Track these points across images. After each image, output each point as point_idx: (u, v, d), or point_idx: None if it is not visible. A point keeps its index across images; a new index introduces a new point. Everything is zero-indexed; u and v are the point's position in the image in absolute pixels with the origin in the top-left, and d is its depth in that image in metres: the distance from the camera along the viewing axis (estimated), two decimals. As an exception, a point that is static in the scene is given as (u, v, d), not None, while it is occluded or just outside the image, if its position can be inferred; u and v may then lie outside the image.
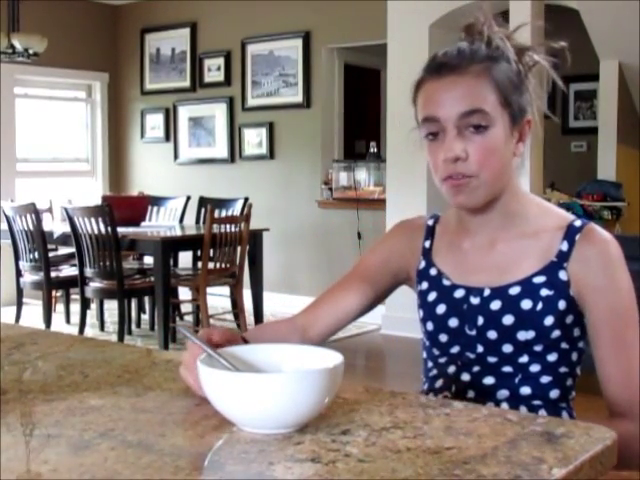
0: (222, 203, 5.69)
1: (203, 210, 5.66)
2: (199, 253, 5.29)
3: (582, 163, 6.45)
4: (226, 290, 5.46)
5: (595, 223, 1.25)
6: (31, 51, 5.40)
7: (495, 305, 1.22)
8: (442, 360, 1.29)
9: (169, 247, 4.89)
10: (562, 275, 1.21)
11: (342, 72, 6.35)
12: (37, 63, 5.97)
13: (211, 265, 5.07)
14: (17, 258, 5.28)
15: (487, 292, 1.24)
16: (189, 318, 5.62)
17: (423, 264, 1.34)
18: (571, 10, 5.20)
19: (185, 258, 5.76)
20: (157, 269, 4.82)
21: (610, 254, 1.20)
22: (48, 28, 6.23)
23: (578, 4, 4.99)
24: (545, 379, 1.22)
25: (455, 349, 1.27)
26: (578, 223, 1.23)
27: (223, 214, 5.47)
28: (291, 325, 1.31)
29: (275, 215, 6.23)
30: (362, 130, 7.15)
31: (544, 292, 1.20)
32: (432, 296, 1.29)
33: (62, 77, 6.96)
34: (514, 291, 1.22)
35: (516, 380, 1.22)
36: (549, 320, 1.20)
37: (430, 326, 1.29)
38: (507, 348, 1.22)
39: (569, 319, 1.21)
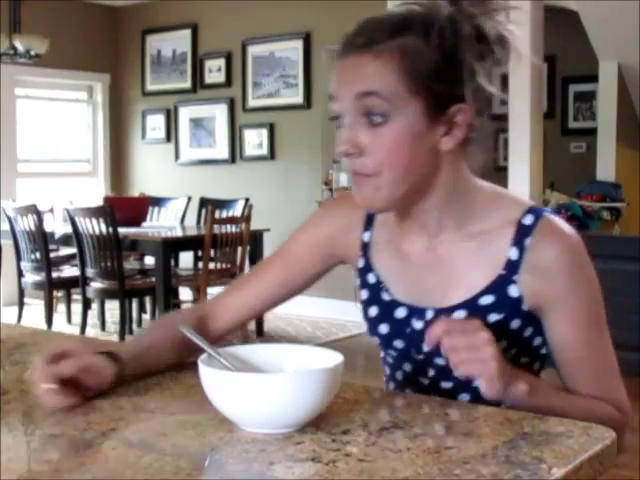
0: (223, 204, 5.69)
1: (204, 210, 5.67)
2: (200, 253, 5.30)
3: (581, 164, 6.45)
4: (227, 291, 5.45)
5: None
6: (32, 52, 5.41)
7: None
8: (398, 376, 1.18)
9: (170, 247, 4.90)
10: (513, 291, 1.04)
11: (343, 73, 6.35)
12: (38, 64, 5.97)
13: (212, 265, 5.07)
14: (19, 258, 5.28)
15: (430, 315, 1.08)
16: (190, 319, 5.61)
17: (362, 262, 1.17)
18: (570, 11, 5.20)
19: (186, 258, 5.76)
20: (158, 269, 4.83)
21: (569, 256, 1.03)
22: (49, 29, 6.24)
23: (577, 5, 4.99)
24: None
25: (407, 367, 1.15)
26: (528, 220, 1.04)
27: (224, 215, 5.48)
28: (186, 319, 1.15)
29: (276, 216, 6.23)
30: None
31: (493, 317, 1.05)
32: (373, 311, 1.14)
33: (63, 78, 6.96)
34: (459, 315, 1.05)
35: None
36: (502, 344, 1.03)
37: (377, 341, 1.17)
38: (455, 379, 1.06)
39: (527, 332, 1.08)
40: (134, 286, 5.02)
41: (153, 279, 4.99)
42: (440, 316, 1.04)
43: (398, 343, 1.13)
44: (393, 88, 0.99)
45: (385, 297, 1.13)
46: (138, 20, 7.21)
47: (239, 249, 5.10)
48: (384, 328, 1.13)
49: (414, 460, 0.81)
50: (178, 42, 6.94)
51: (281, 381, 0.88)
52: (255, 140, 6.50)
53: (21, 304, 5.37)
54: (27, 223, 5.12)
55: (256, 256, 5.31)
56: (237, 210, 5.56)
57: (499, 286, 1.05)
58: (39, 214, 5.09)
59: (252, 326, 5.35)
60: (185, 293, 5.82)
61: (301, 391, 0.87)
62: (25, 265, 5.27)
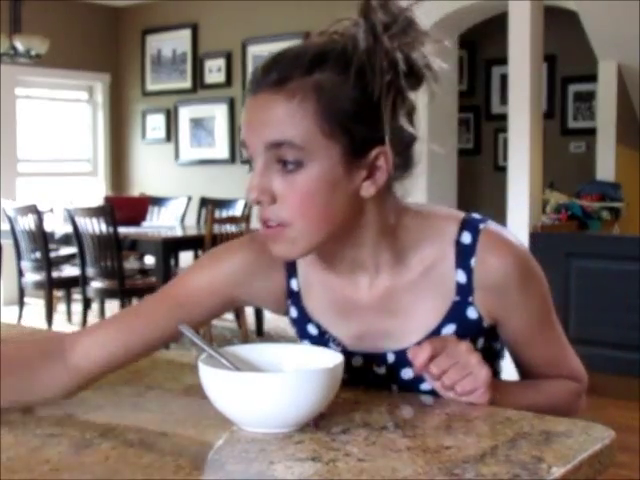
0: (223, 203, 5.70)
1: (204, 210, 5.67)
2: (200, 253, 5.30)
3: (581, 164, 6.46)
4: (227, 290, 5.46)
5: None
6: (33, 52, 5.41)
7: (406, 374, 1.03)
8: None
9: (170, 247, 4.90)
10: (471, 313, 1.01)
11: (343, 73, 6.36)
12: (39, 64, 5.98)
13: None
14: (19, 258, 5.29)
15: (391, 358, 1.03)
16: (190, 318, 5.62)
17: (295, 312, 1.08)
18: (570, 11, 5.21)
19: (186, 258, 5.76)
20: (158, 269, 4.83)
21: (517, 267, 1.00)
22: (50, 29, 6.24)
23: (577, 5, 4.99)
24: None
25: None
26: (467, 239, 0.99)
27: (224, 214, 5.48)
28: (39, 353, 1.01)
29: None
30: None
31: None
32: None
33: (64, 78, 6.96)
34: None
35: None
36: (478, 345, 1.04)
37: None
38: (426, 386, 1.03)
39: (489, 341, 1.07)
40: (134, 286, 5.03)
41: (153, 279, 4.99)
42: (402, 357, 1.01)
43: (360, 387, 1.06)
44: (307, 133, 0.90)
45: (334, 349, 1.03)
46: (138, 20, 7.21)
47: (239, 249, 5.10)
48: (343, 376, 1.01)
49: (414, 459, 0.81)
50: (178, 42, 6.95)
51: (281, 381, 0.88)
52: (255, 140, 6.51)
53: (21, 304, 5.37)
54: (27, 223, 5.13)
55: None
56: (237, 210, 5.57)
57: (457, 312, 1.01)
58: (39, 214, 5.09)
59: (252, 326, 5.35)
60: (185, 293, 5.82)
61: (301, 391, 0.87)
62: (25, 265, 5.27)
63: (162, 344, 1.06)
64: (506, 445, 0.85)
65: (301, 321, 1.08)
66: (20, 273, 5.32)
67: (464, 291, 1.00)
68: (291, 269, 1.07)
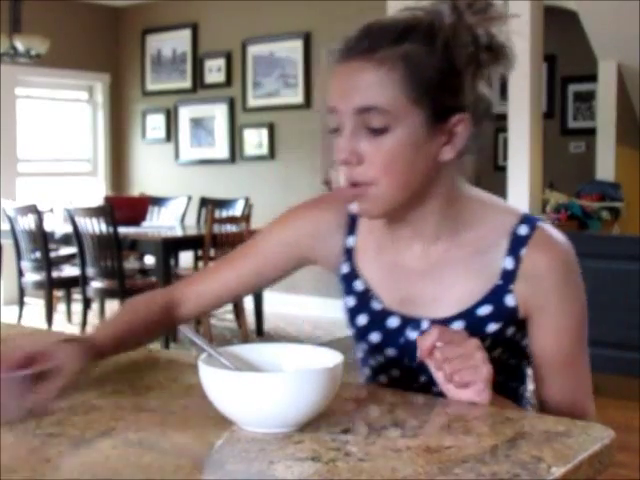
0: (223, 203, 5.70)
1: (204, 210, 5.67)
2: (200, 253, 5.30)
3: (581, 163, 6.46)
4: (227, 290, 5.45)
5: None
6: (33, 52, 5.40)
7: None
8: (381, 379, 1.15)
9: (170, 247, 4.90)
10: (509, 301, 1.05)
11: (343, 73, 6.36)
12: (39, 64, 5.98)
13: (212, 265, 5.07)
14: (19, 258, 5.29)
15: (425, 325, 1.07)
16: (190, 318, 5.62)
17: (346, 269, 1.14)
18: (570, 11, 5.21)
19: (186, 258, 5.77)
20: (158, 269, 4.83)
21: (563, 266, 1.04)
22: (50, 29, 6.24)
23: (577, 5, 5.00)
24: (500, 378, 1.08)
25: (395, 373, 1.13)
26: (524, 231, 1.05)
27: (224, 214, 5.48)
28: (157, 303, 1.18)
29: (275, 215, 6.22)
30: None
31: (491, 327, 1.05)
32: (362, 320, 1.12)
33: (64, 78, 6.97)
34: (457, 327, 1.05)
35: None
36: (497, 352, 1.07)
37: (364, 347, 1.14)
38: None
39: (517, 337, 1.09)
40: (134, 286, 5.02)
41: (153, 279, 4.99)
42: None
43: (390, 351, 1.11)
44: (394, 99, 0.97)
45: (375, 306, 1.11)
46: (138, 20, 7.21)
47: (239, 249, 5.10)
48: (375, 337, 1.11)
49: (414, 459, 0.81)
50: (178, 42, 6.95)
51: (281, 381, 0.88)
52: (255, 140, 6.51)
53: (21, 303, 5.37)
54: (27, 223, 5.13)
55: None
56: (237, 210, 5.56)
57: (496, 296, 1.05)
58: (39, 214, 5.09)
59: (252, 326, 5.35)
60: (185, 293, 5.81)
61: (301, 391, 0.87)
62: (25, 264, 5.27)
63: (246, 295, 1.26)
64: (506, 445, 0.85)
65: (350, 277, 1.13)
66: (20, 273, 5.32)
67: (508, 277, 1.05)
68: (351, 228, 1.14)
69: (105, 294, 5.04)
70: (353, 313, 1.13)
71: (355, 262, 1.13)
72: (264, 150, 6.45)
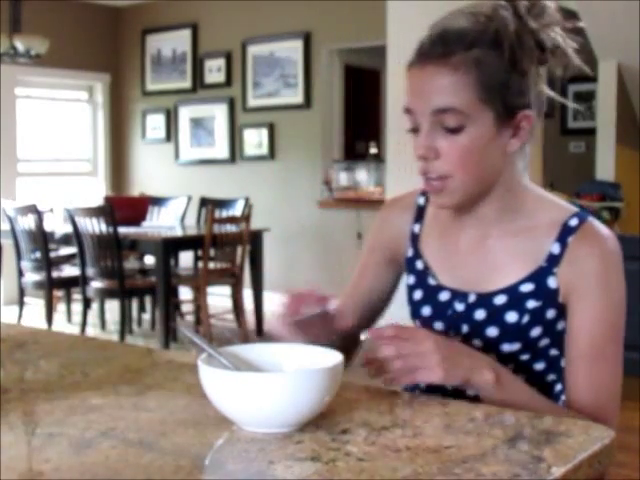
0: (223, 203, 5.70)
1: (204, 210, 5.67)
2: (200, 253, 5.30)
3: (581, 163, 6.46)
4: (227, 290, 5.46)
5: (583, 211, 1.18)
6: (33, 52, 5.40)
7: (479, 315, 1.16)
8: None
9: (170, 247, 4.90)
10: (551, 282, 1.12)
11: (342, 73, 6.36)
12: (39, 64, 5.98)
13: (212, 265, 5.08)
14: (19, 258, 5.29)
15: (472, 298, 1.17)
16: (190, 318, 5.63)
17: (410, 252, 1.26)
18: (570, 11, 5.20)
19: (186, 258, 5.76)
20: (158, 269, 4.83)
21: (606, 257, 1.10)
22: (50, 29, 6.24)
23: (577, 5, 5.00)
24: (533, 384, 1.13)
25: None
26: (574, 222, 1.13)
27: (224, 214, 5.48)
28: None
29: (275, 215, 6.23)
30: (362, 130, 7.15)
31: (531, 304, 1.12)
32: (418, 295, 1.23)
33: (64, 78, 6.96)
34: (499, 301, 1.14)
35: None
36: (536, 331, 1.13)
37: (417, 325, 1.24)
38: (492, 356, 1.11)
39: (559, 325, 1.14)
40: (134, 286, 5.03)
41: (153, 279, 4.99)
42: (481, 299, 1.15)
43: (438, 325, 1.20)
44: (468, 101, 1.07)
45: (431, 282, 1.22)
46: (138, 20, 7.21)
47: (239, 249, 5.11)
48: (426, 310, 1.22)
49: (414, 459, 0.81)
50: (178, 42, 6.95)
51: (281, 381, 0.88)
52: (255, 140, 6.50)
53: (21, 303, 5.37)
54: (27, 223, 5.13)
55: (256, 256, 5.32)
56: (237, 210, 5.56)
57: (539, 277, 1.13)
58: (39, 214, 5.09)
59: (252, 326, 5.35)
60: (185, 293, 5.82)
61: (301, 391, 0.87)
62: (25, 265, 5.27)
63: (388, 293, 1.32)
64: (506, 445, 0.86)
65: (413, 259, 1.25)
66: (20, 273, 5.32)
67: (553, 260, 1.12)
68: (418, 217, 1.27)
69: (105, 294, 5.04)
70: (411, 290, 1.24)
71: (418, 245, 1.25)
72: (264, 150, 6.45)
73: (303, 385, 0.87)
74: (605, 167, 5.40)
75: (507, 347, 1.14)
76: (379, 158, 6.04)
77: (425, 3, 5.26)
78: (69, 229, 4.92)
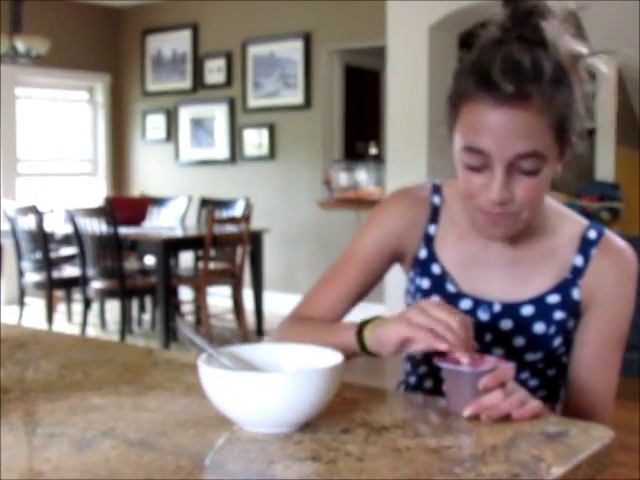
0: (223, 203, 5.70)
1: (204, 210, 5.67)
2: (200, 253, 5.30)
3: (581, 163, 6.45)
4: (227, 290, 5.46)
5: (595, 223, 1.20)
6: (33, 52, 5.41)
7: (506, 325, 1.15)
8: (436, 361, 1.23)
9: (170, 247, 4.90)
10: (575, 294, 1.15)
11: (342, 73, 6.36)
12: (39, 64, 5.98)
13: (212, 265, 5.08)
14: (19, 258, 5.29)
15: (497, 308, 1.16)
16: (190, 318, 5.63)
17: (424, 254, 1.21)
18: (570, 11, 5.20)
19: (186, 258, 5.77)
20: (158, 269, 4.83)
21: (626, 269, 1.15)
22: (50, 30, 6.24)
23: (577, 5, 4.99)
24: (541, 393, 1.18)
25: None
26: (593, 235, 1.16)
27: (224, 214, 5.48)
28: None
29: (276, 215, 6.23)
30: (362, 131, 7.15)
31: (558, 315, 1.14)
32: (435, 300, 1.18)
33: (64, 78, 6.96)
34: (527, 311, 1.15)
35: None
36: (558, 341, 1.15)
37: None
38: (519, 341, 1.16)
39: (573, 334, 1.17)
40: (134, 286, 5.03)
41: (153, 279, 4.99)
42: (507, 309, 1.15)
43: None
44: (547, 143, 1.03)
45: (450, 288, 1.18)
46: (138, 20, 7.21)
47: (239, 249, 5.11)
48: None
49: (414, 459, 0.81)
50: (178, 42, 6.95)
51: (281, 381, 0.88)
52: (255, 140, 6.51)
53: (22, 304, 5.37)
54: (28, 223, 5.13)
55: (256, 256, 5.32)
56: (237, 210, 5.56)
57: (564, 288, 1.15)
58: (40, 214, 5.09)
59: (252, 326, 5.36)
60: (185, 293, 5.82)
61: (301, 391, 0.87)
62: (26, 265, 5.27)
63: (357, 301, 1.25)
64: (506, 445, 0.86)
65: (427, 261, 1.21)
66: (20, 273, 5.32)
67: (577, 273, 1.15)
68: (433, 217, 1.22)
69: (105, 294, 5.04)
70: (425, 294, 1.20)
71: (434, 248, 1.21)
72: (264, 150, 6.45)
73: (303, 385, 0.87)
74: (605, 167, 5.40)
75: (530, 356, 1.16)
76: (379, 158, 6.05)
77: (425, 3, 5.27)
78: (69, 229, 4.92)
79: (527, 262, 1.16)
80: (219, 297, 5.72)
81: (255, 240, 5.27)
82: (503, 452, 0.83)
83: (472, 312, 1.16)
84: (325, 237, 6.14)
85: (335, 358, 0.94)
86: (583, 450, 0.84)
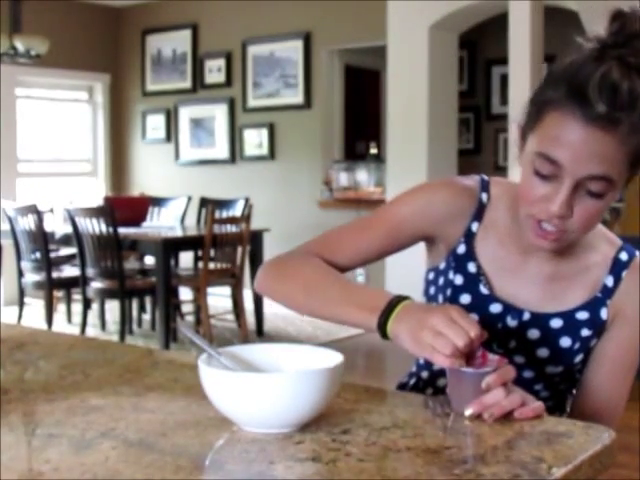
0: (223, 203, 5.70)
1: (204, 210, 5.67)
2: (200, 253, 5.30)
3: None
4: (227, 290, 5.46)
5: (627, 244, 1.20)
6: (33, 52, 5.41)
7: (533, 334, 1.15)
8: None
9: (170, 247, 4.90)
10: (603, 314, 1.16)
11: (342, 73, 6.36)
12: (39, 64, 5.98)
13: (212, 265, 5.08)
14: (19, 258, 5.29)
15: (527, 316, 1.16)
16: (190, 318, 5.63)
17: (463, 249, 1.19)
18: (570, 11, 5.20)
19: (186, 258, 5.76)
20: (158, 269, 4.83)
21: None
22: (50, 29, 6.24)
23: (577, 5, 4.99)
24: (549, 403, 1.19)
25: None
26: (624, 257, 1.17)
27: (224, 214, 5.48)
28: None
29: (276, 215, 6.23)
30: (362, 131, 7.16)
31: (585, 332, 1.15)
32: (465, 299, 1.18)
33: (64, 78, 6.96)
34: (556, 324, 1.15)
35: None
36: (579, 357, 1.17)
37: None
38: (528, 374, 1.17)
39: (592, 350, 1.19)
40: (134, 286, 5.03)
41: (153, 279, 4.99)
42: (536, 318, 1.15)
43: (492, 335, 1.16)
44: (620, 172, 1.02)
45: (483, 290, 1.17)
46: (138, 20, 7.21)
47: (239, 249, 5.10)
48: (472, 317, 1.15)
49: (414, 460, 0.81)
50: (178, 42, 6.95)
51: (281, 381, 0.88)
52: (255, 140, 6.50)
53: (21, 304, 5.37)
54: (27, 223, 5.13)
55: (256, 256, 5.32)
56: (237, 210, 5.56)
57: (594, 306, 1.15)
58: (39, 214, 5.09)
59: (252, 326, 5.35)
60: (185, 293, 5.82)
61: (301, 391, 0.87)
62: (25, 265, 5.27)
63: (377, 258, 1.24)
64: (506, 445, 0.85)
65: (465, 258, 1.19)
66: (20, 273, 5.32)
67: (607, 292, 1.16)
68: (478, 214, 1.19)
69: (105, 294, 5.04)
70: (457, 290, 1.18)
71: (473, 245, 1.19)
72: (264, 150, 6.45)
73: (303, 385, 0.87)
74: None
75: (551, 369, 1.16)
76: (379, 158, 6.04)
77: (425, 3, 5.27)
78: (69, 229, 4.92)
79: (562, 277, 1.17)
80: (219, 297, 5.72)
81: (255, 240, 5.27)
82: (503, 452, 0.83)
83: (501, 317, 1.16)
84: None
85: (335, 358, 0.94)
86: (584, 451, 0.84)
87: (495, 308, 1.17)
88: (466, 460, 0.81)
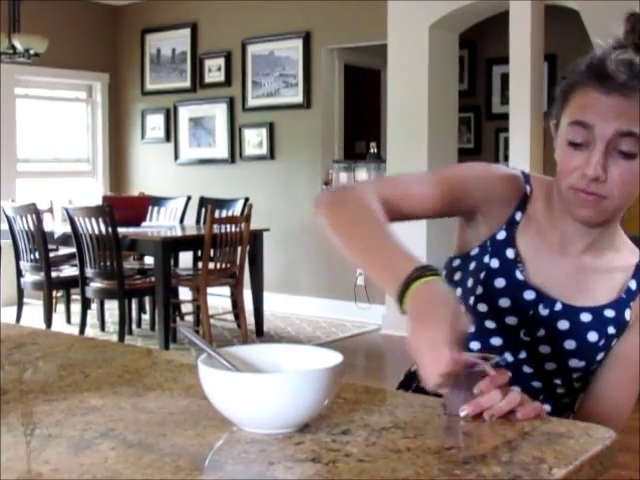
0: (222, 203, 5.69)
1: (203, 210, 5.67)
2: (199, 253, 5.30)
3: (582, 163, 6.44)
4: (226, 290, 5.46)
5: None
6: (32, 51, 5.40)
7: (562, 325, 1.18)
8: (472, 345, 1.20)
9: (169, 247, 4.90)
10: (627, 315, 1.20)
11: (342, 72, 6.36)
12: (38, 63, 5.97)
13: (211, 265, 5.07)
14: (18, 258, 5.28)
15: (559, 307, 1.19)
16: (189, 318, 5.63)
17: (502, 235, 1.23)
18: (571, 10, 5.20)
19: (185, 258, 5.76)
20: (157, 269, 4.83)
21: None
22: (49, 28, 6.23)
23: (578, 4, 4.99)
24: (564, 401, 1.22)
25: (496, 341, 1.20)
26: None
27: (223, 214, 5.48)
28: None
29: (275, 215, 6.23)
30: (362, 130, 7.15)
31: (611, 330, 1.19)
32: (500, 283, 1.19)
33: (63, 77, 6.96)
34: (585, 318, 1.18)
35: (540, 397, 1.19)
36: (601, 356, 1.20)
37: (483, 308, 1.20)
38: (550, 366, 1.20)
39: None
40: (133, 286, 5.02)
41: (153, 279, 4.99)
42: (566, 310, 1.18)
43: (512, 319, 1.19)
44: None
45: (518, 276, 1.20)
46: (138, 19, 7.21)
47: (239, 249, 5.10)
48: (504, 302, 1.19)
49: (414, 460, 0.81)
50: (178, 41, 6.94)
51: (281, 381, 0.88)
52: (255, 140, 6.50)
53: (20, 304, 5.37)
54: (26, 223, 5.12)
55: (256, 256, 5.31)
56: (237, 210, 5.56)
57: (620, 306, 1.20)
58: (38, 214, 5.08)
59: (252, 326, 5.35)
60: (185, 293, 5.82)
61: (301, 391, 0.87)
62: (24, 265, 5.27)
63: (429, 217, 1.26)
64: (507, 446, 0.85)
65: (504, 243, 1.22)
66: (19, 273, 5.32)
67: (630, 295, 1.21)
68: (522, 204, 1.23)
69: (104, 294, 5.03)
70: (491, 273, 1.20)
71: (514, 234, 1.23)
72: (264, 150, 6.45)
73: (303, 386, 0.87)
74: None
75: (574, 363, 1.19)
76: (379, 158, 6.04)
77: (425, 3, 5.26)
78: (68, 229, 4.92)
79: (594, 273, 1.21)
80: (219, 297, 5.71)
81: (255, 240, 5.27)
82: (504, 453, 0.83)
83: (534, 305, 1.19)
84: (325, 237, 6.12)
85: (335, 358, 0.93)
86: (584, 451, 0.84)
87: (529, 295, 1.19)
88: (467, 461, 0.81)
